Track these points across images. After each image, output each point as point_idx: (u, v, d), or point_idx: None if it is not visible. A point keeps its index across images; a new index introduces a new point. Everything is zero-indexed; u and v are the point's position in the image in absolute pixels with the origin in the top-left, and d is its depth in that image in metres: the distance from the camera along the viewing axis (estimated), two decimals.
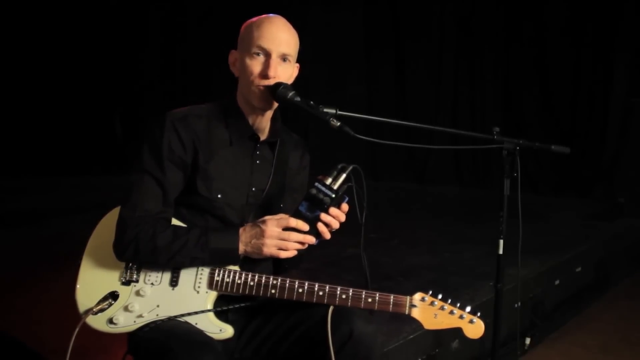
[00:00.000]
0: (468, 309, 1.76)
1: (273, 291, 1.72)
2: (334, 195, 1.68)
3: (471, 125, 7.91)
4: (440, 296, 1.76)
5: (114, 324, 1.71)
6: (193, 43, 8.51)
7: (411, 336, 2.70)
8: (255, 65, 1.75)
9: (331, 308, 1.73)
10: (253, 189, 1.84)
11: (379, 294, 1.72)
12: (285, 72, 1.78)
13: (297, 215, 1.71)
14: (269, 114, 1.85)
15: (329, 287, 1.72)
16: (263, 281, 1.72)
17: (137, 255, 1.69)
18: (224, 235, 1.72)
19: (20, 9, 7.46)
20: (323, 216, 1.70)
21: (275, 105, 1.80)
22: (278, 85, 1.73)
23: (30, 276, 3.74)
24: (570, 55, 7.23)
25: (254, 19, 1.81)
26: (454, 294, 1.85)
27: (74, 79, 7.92)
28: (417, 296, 1.75)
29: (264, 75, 1.73)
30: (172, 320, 1.71)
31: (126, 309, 1.71)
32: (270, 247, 1.71)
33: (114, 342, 1.80)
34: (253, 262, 1.80)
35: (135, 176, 1.74)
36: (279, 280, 1.73)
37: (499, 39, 7.81)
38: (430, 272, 3.88)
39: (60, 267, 2.39)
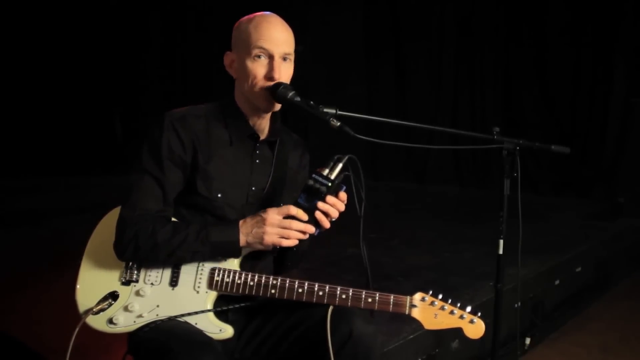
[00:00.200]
0: (468, 309, 1.76)
1: (273, 291, 1.72)
2: (330, 184, 1.69)
3: (471, 125, 7.90)
4: (440, 296, 1.76)
5: (114, 324, 1.71)
6: (193, 43, 8.51)
7: (411, 336, 2.71)
8: (259, 67, 1.74)
9: (331, 308, 1.73)
10: (253, 188, 1.84)
11: (379, 294, 1.72)
12: (287, 72, 1.78)
13: (295, 206, 1.72)
14: (269, 113, 1.85)
15: (329, 287, 1.72)
16: (263, 281, 1.72)
17: (138, 252, 1.69)
18: (224, 228, 1.72)
19: (20, 10, 7.46)
20: (320, 205, 1.70)
21: (278, 106, 1.80)
22: (278, 85, 1.73)
23: (30, 276, 3.74)
24: (570, 56, 7.23)
25: (245, 18, 1.80)
26: (454, 294, 1.84)
27: (74, 79, 7.92)
28: (417, 296, 1.75)
29: (270, 77, 1.74)
30: (172, 320, 1.71)
31: (126, 309, 1.71)
32: (272, 235, 1.71)
33: (114, 342, 1.80)
34: (253, 260, 1.80)
35: (135, 176, 1.74)
36: (279, 280, 1.73)
37: (499, 39, 7.80)
38: (430, 272, 3.88)
39: (60, 267, 2.39)
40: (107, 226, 1.79)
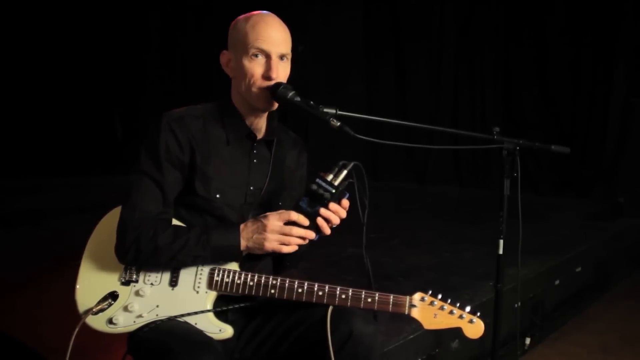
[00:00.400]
0: (468, 308, 1.76)
1: (273, 291, 1.72)
2: (334, 191, 1.69)
3: (471, 125, 7.90)
4: (440, 296, 1.76)
5: (114, 324, 1.71)
6: (193, 43, 8.50)
7: (411, 336, 2.70)
8: (256, 67, 1.74)
9: (331, 308, 1.73)
10: (251, 188, 1.84)
11: (379, 294, 1.72)
12: (285, 72, 1.78)
13: (297, 210, 1.72)
14: (266, 113, 1.85)
15: (329, 287, 1.72)
16: (262, 281, 1.72)
17: (139, 256, 1.69)
18: (225, 232, 1.72)
19: (20, 10, 7.46)
20: (323, 211, 1.70)
21: (276, 105, 1.80)
22: (278, 85, 1.73)
23: (31, 276, 3.74)
24: (570, 56, 7.23)
25: (242, 17, 1.80)
26: (454, 294, 1.84)
27: (74, 79, 7.92)
28: (417, 296, 1.75)
29: (267, 77, 1.73)
30: (171, 320, 1.71)
31: (126, 309, 1.71)
32: (272, 241, 1.71)
33: (114, 342, 1.80)
34: (253, 260, 1.80)
35: (134, 178, 1.74)
36: (279, 280, 1.72)
37: (499, 39, 7.80)
38: (430, 272, 3.88)
39: (60, 267, 2.39)
40: (107, 226, 1.79)
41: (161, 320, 1.70)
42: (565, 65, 7.28)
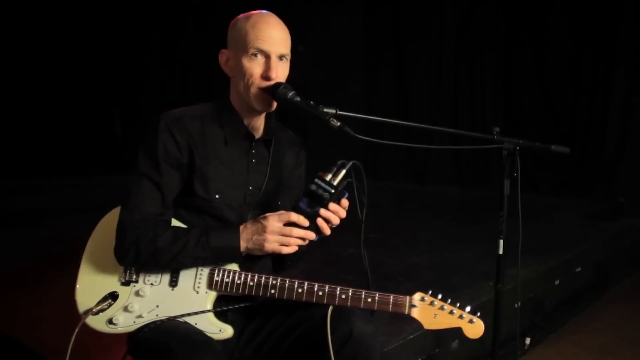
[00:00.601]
0: (468, 308, 1.76)
1: (273, 291, 1.72)
2: (333, 191, 1.69)
3: (471, 125, 7.90)
4: (440, 296, 1.76)
5: (114, 324, 1.71)
6: (193, 43, 8.50)
7: (411, 336, 2.70)
8: (255, 67, 1.74)
9: (331, 308, 1.72)
10: (250, 187, 1.84)
11: (379, 294, 1.72)
12: (284, 72, 1.78)
13: (296, 210, 1.71)
14: (264, 113, 1.84)
15: (329, 287, 1.72)
16: (262, 281, 1.72)
17: (139, 258, 1.69)
18: (224, 233, 1.72)
19: (20, 9, 7.46)
20: (322, 212, 1.70)
21: (275, 106, 1.80)
22: (278, 85, 1.73)
23: (31, 276, 3.74)
24: (570, 56, 7.22)
25: (242, 16, 1.80)
26: (454, 294, 1.84)
27: (74, 79, 7.92)
28: (417, 296, 1.75)
29: (266, 77, 1.73)
30: (171, 320, 1.71)
31: (126, 309, 1.71)
32: (272, 242, 1.71)
33: (114, 342, 1.80)
34: (252, 260, 1.80)
35: (133, 179, 1.73)
36: (279, 280, 1.72)
37: (499, 39, 7.80)
38: (430, 272, 3.88)
39: (60, 267, 2.39)
40: (106, 226, 1.79)
41: (161, 321, 1.70)
42: (565, 66, 7.27)
